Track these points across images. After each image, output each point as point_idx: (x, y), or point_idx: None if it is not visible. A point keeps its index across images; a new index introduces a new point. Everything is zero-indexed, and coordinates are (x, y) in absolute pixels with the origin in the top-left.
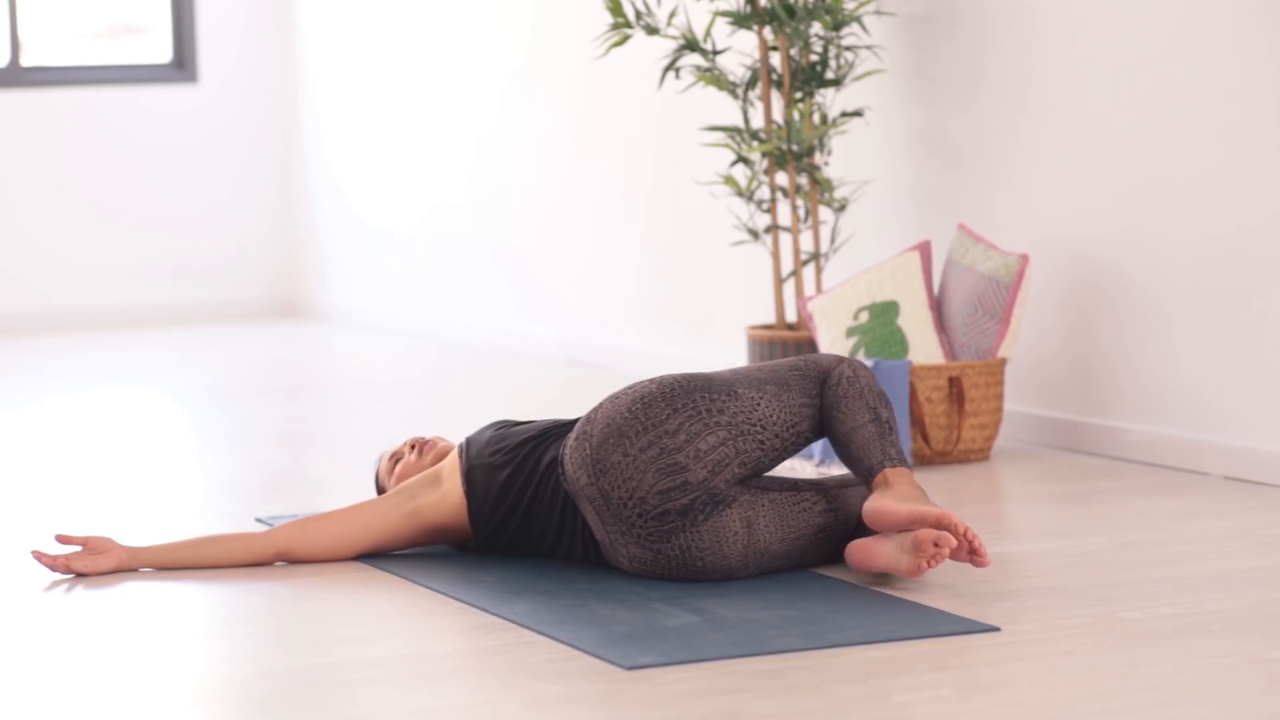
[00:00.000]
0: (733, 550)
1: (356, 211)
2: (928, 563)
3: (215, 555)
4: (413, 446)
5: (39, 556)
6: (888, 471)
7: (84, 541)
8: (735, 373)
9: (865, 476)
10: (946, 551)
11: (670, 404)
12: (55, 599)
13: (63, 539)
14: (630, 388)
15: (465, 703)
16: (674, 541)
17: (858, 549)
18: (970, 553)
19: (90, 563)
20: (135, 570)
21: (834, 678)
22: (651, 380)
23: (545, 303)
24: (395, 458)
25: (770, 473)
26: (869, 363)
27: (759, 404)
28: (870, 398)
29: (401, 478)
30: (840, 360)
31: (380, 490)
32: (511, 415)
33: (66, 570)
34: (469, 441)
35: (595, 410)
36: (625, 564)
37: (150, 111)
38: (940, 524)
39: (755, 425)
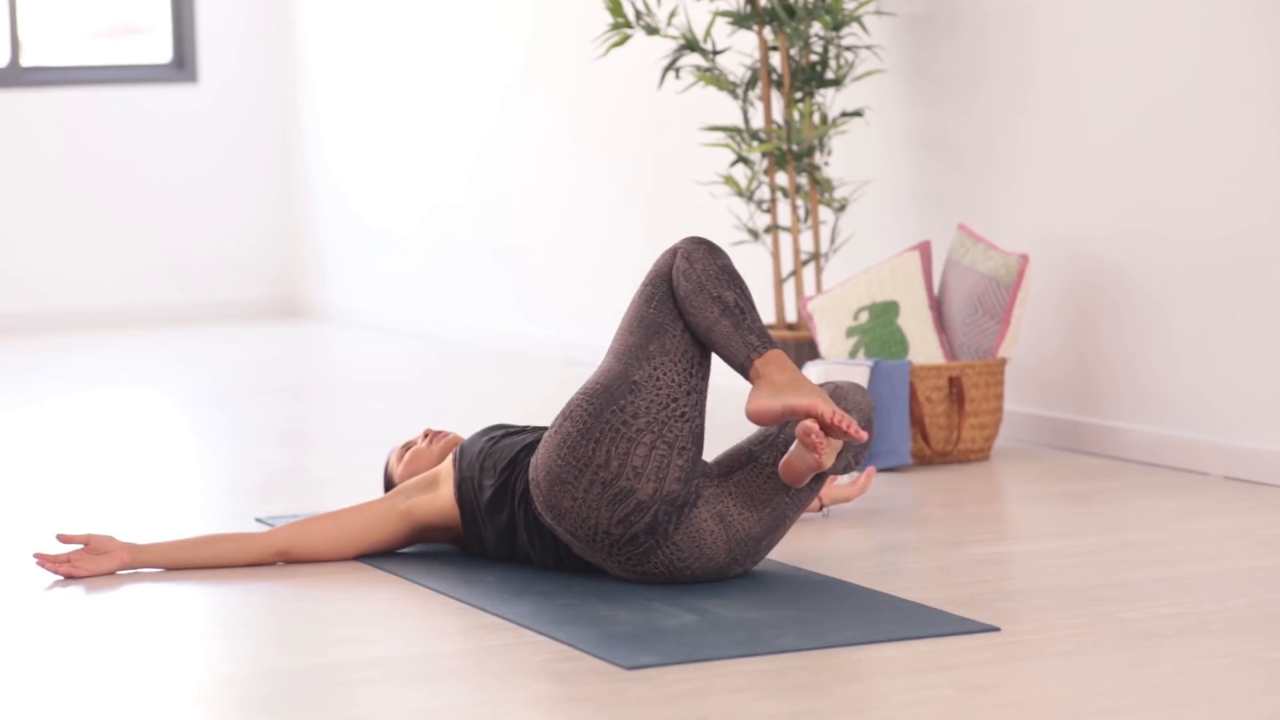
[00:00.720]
0: (715, 550)
1: (356, 211)
2: (817, 454)
3: (216, 555)
4: (425, 435)
5: (41, 561)
6: (756, 364)
7: (85, 540)
8: (620, 352)
9: (741, 374)
10: (823, 439)
11: (589, 437)
12: (56, 599)
13: (64, 538)
14: (554, 429)
15: (465, 703)
16: (654, 560)
17: (784, 466)
18: (843, 435)
19: (93, 564)
20: (137, 569)
21: (834, 678)
22: (565, 417)
23: (545, 303)
24: (407, 446)
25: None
26: (867, 363)
27: (658, 378)
28: (712, 285)
29: (411, 463)
30: (674, 254)
31: (387, 476)
32: (511, 415)
33: (70, 575)
34: (462, 450)
35: (536, 457)
36: (618, 575)
37: (150, 111)
38: (809, 415)
39: (669, 403)
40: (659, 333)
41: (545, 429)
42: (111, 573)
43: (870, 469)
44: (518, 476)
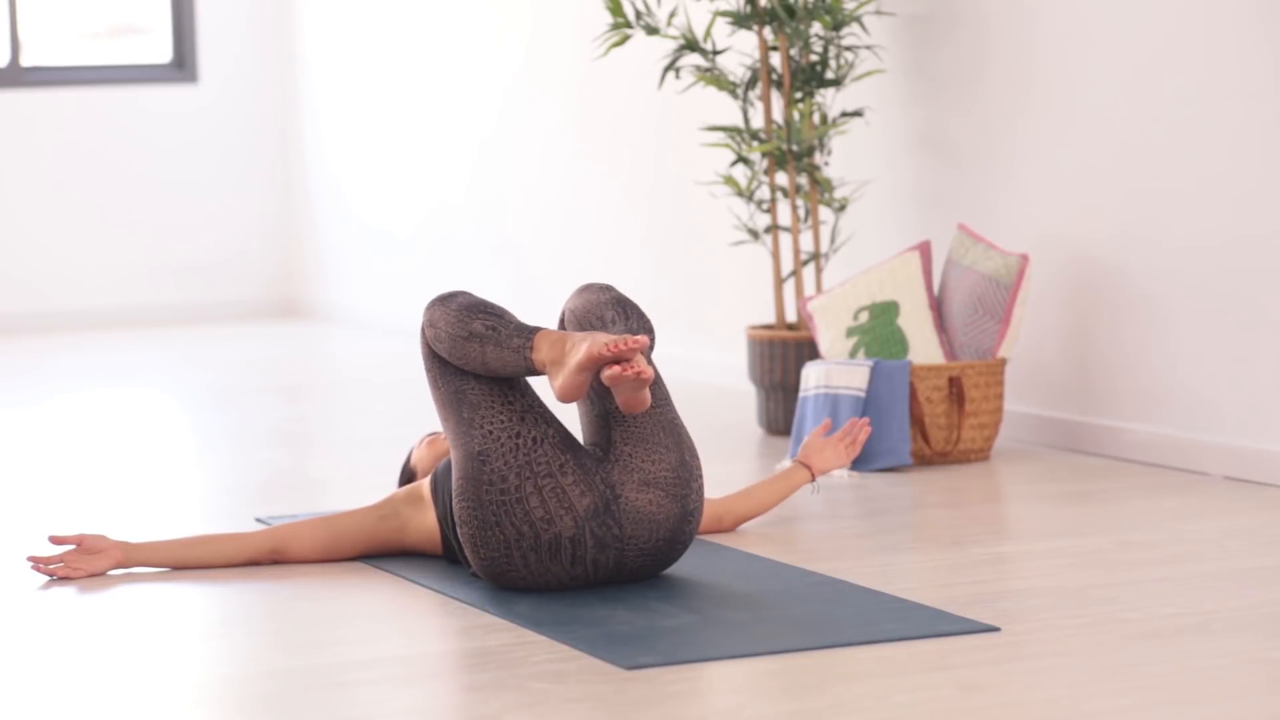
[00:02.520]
0: (665, 507)
1: (356, 211)
2: (633, 376)
3: (211, 554)
4: None
5: (36, 565)
6: (532, 358)
7: (77, 540)
8: (453, 439)
9: (532, 374)
10: (627, 367)
11: (488, 524)
12: (55, 599)
13: (56, 540)
14: (461, 539)
15: (464, 703)
16: (631, 558)
17: (622, 405)
18: (631, 352)
19: (87, 563)
20: (131, 568)
21: (834, 678)
22: (460, 524)
23: (545, 303)
24: (434, 433)
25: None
26: (867, 363)
27: (492, 433)
28: (460, 330)
29: (431, 447)
30: (422, 331)
31: (408, 463)
32: None
33: (65, 576)
34: (436, 483)
35: (470, 561)
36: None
37: (150, 112)
38: (596, 363)
39: (517, 443)
40: (460, 398)
41: None
42: (105, 572)
43: (863, 429)
44: None
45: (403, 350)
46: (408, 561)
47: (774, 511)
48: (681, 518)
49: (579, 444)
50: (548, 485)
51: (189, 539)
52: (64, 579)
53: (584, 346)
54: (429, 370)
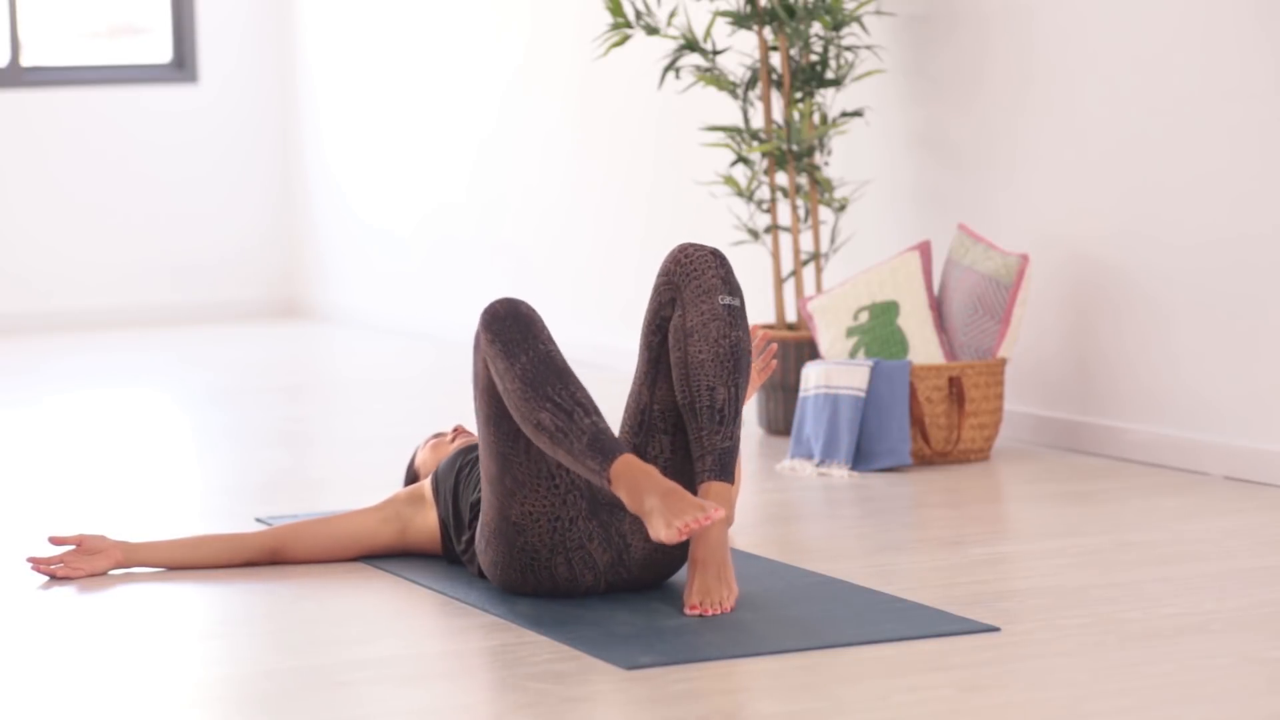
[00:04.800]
0: (667, 554)
1: (356, 211)
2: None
3: (211, 554)
4: (455, 430)
5: (35, 565)
6: (608, 488)
7: (77, 541)
8: (494, 483)
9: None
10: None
11: (511, 573)
12: (55, 599)
13: (56, 540)
14: (481, 558)
15: (465, 703)
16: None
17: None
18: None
19: (87, 564)
20: (131, 568)
21: (834, 678)
22: (480, 551)
23: (545, 303)
24: (438, 436)
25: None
26: (867, 363)
27: (530, 514)
28: (526, 413)
29: (433, 451)
30: (482, 353)
31: (411, 464)
32: None
33: (65, 577)
34: (437, 482)
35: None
36: None
37: (150, 111)
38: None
39: (555, 528)
40: (506, 465)
41: None
42: (105, 572)
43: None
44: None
45: (403, 350)
46: (408, 561)
47: (774, 512)
48: (684, 555)
49: (602, 502)
50: (577, 556)
51: (189, 539)
52: (64, 579)
53: (659, 525)
54: (482, 406)
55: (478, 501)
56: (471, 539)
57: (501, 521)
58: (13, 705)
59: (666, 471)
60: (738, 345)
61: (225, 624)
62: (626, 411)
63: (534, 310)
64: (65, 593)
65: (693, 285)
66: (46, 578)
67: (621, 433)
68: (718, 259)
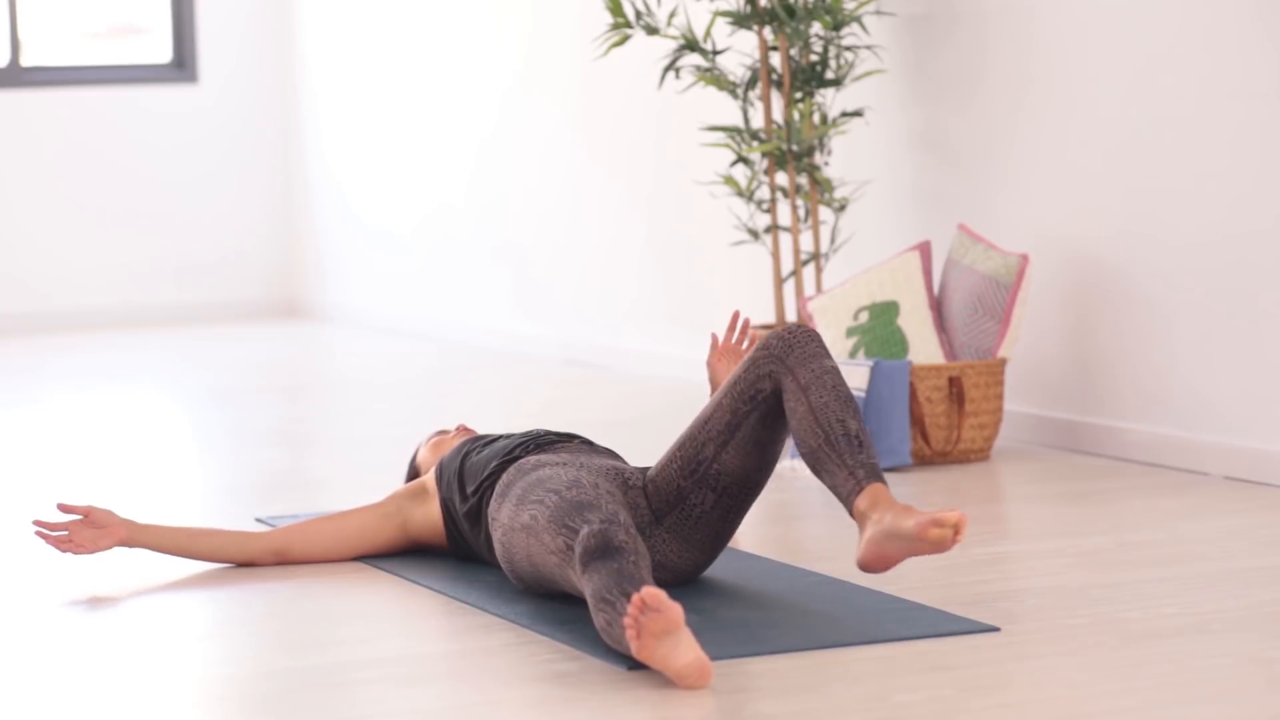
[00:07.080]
0: (670, 580)
1: (356, 211)
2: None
3: (214, 547)
4: (459, 429)
5: (40, 530)
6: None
7: (85, 511)
8: (508, 532)
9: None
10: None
11: (522, 581)
12: (55, 599)
13: (65, 508)
14: (498, 554)
15: (465, 703)
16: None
17: (872, 557)
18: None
19: (91, 540)
20: (133, 547)
21: (834, 678)
22: (499, 555)
23: (546, 303)
24: (441, 433)
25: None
26: (867, 363)
27: (542, 561)
28: (592, 603)
29: (435, 449)
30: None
31: (413, 462)
32: (511, 416)
33: (67, 548)
34: (440, 470)
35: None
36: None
37: (150, 112)
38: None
39: (565, 560)
40: (535, 565)
41: (518, 437)
42: (109, 549)
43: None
44: (486, 498)
45: (403, 350)
46: (408, 561)
47: (774, 512)
48: (693, 570)
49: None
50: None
51: (195, 529)
52: (64, 550)
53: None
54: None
55: (483, 483)
56: (471, 509)
57: (516, 553)
58: (14, 705)
59: (699, 522)
60: (851, 393)
61: (225, 624)
62: (681, 450)
63: (630, 540)
64: (65, 593)
65: (798, 352)
66: (50, 575)
67: (671, 465)
68: (816, 335)
